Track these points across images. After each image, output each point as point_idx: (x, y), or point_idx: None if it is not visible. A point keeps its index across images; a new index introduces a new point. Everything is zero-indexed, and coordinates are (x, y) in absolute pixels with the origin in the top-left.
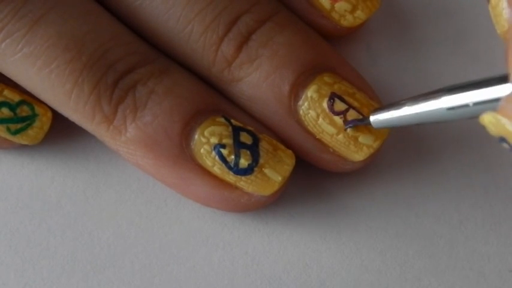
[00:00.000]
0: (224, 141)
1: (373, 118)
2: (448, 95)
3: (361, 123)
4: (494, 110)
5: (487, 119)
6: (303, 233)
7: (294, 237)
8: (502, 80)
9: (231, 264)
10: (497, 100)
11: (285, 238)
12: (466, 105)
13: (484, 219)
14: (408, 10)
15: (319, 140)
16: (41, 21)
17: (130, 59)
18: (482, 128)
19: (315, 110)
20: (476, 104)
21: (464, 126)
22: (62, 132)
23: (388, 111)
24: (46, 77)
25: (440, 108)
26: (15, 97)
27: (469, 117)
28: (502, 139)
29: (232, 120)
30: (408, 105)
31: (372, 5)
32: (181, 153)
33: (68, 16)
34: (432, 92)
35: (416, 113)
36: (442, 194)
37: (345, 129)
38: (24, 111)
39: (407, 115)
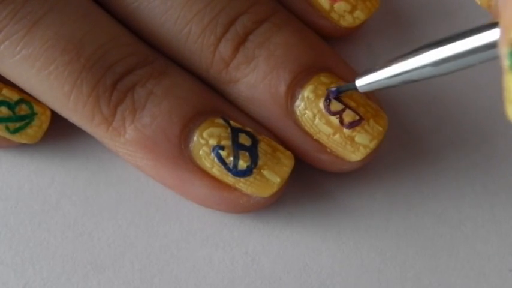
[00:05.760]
0: (223, 142)
1: (358, 82)
2: (436, 48)
3: (346, 90)
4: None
5: None
6: (303, 233)
7: (294, 237)
8: (489, 27)
9: (231, 264)
10: (491, 46)
11: (285, 238)
12: (455, 56)
13: (484, 219)
14: (408, 10)
15: (316, 141)
16: (40, 23)
17: (129, 60)
18: (482, 128)
19: (311, 110)
20: (467, 53)
21: (464, 126)
22: (61, 131)
23: (373, 72)
24: (45, 78)
25: (428, 62)
26: (13, 96)
27: (456, 69)
28: None
29: (231, 122)
30: (393, 64)
31: (371, 5)
32: (180, 155)
33: (67, 18)
34: (418, 48)
35: (403, 71)
36: (442, 194)
37: (329, 98)
38: (23, 109)
39: (393, 74)
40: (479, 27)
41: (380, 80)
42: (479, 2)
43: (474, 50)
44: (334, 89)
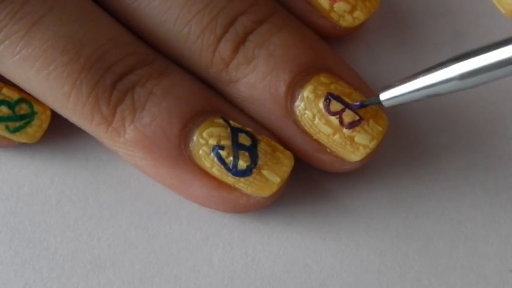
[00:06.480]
0: (223, 142)
1: (382, 96)
2: (463, 61)
3: (370, 104)
4: None
5: None
6: (303, 233)
7: (294, 237)
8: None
9: (231, 264)
10: None
11: (285, 238)
12: (482, 69)
13: (484, 219)
14: (408, 10)
15: (316, 141)
16: (39, 23)
17: (128, 60)
18: (482, 128)
19: (311, 111)
20: (494, 65)
21: (463, 127)
22: (61, 131)
23: (398, 86)
24: (44, 79)
25: (454, 75)
26: (14, 95)
27: (481, 83)
28: None
29: (230, 122)
30: (418, 78)
31: (371, 5)
32: (180, 155)
33: (66, 18)
34: (443, 61)
35: (428, 84)
36: (442, 194)
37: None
38: (23, 109)
39: (418, 87)
40: (506, 39)
41: (404, 94)
42: (504, 12)
43: (502, 62)
44: (357, 103)
